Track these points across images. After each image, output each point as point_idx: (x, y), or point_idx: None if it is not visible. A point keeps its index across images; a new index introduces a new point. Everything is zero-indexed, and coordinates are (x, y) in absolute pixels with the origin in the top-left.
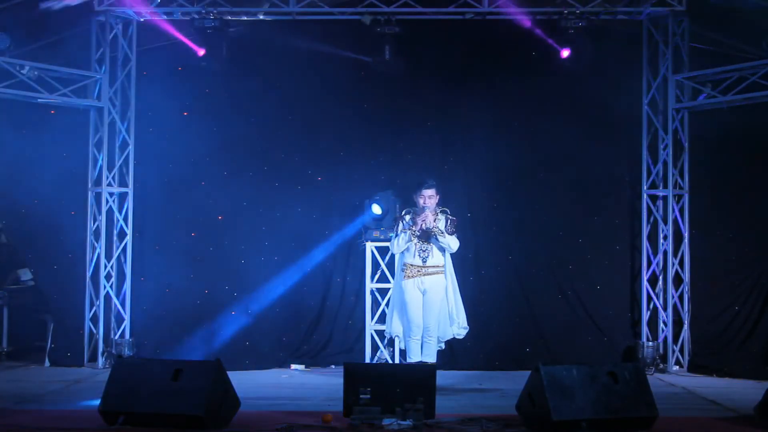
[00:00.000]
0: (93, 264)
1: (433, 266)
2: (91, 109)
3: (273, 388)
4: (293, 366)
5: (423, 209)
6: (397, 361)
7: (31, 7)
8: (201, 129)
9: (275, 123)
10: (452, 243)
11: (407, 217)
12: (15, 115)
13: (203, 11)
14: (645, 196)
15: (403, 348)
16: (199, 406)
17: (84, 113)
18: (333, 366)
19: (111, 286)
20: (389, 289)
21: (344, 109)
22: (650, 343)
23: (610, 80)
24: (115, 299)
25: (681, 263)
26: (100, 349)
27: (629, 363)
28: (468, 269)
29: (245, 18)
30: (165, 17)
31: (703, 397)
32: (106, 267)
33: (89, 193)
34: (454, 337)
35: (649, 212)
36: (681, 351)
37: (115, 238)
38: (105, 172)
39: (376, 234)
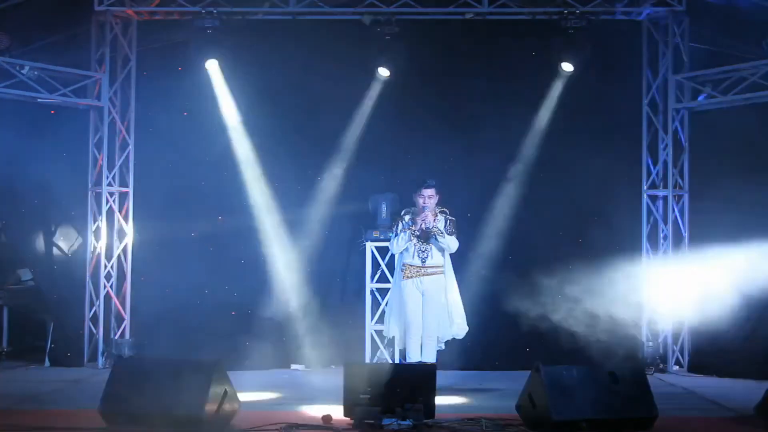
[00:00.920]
0: (93, 264)
1: (432, 266)
2: (91, 109)
3: (273, 388)
4: (293, 366)
5: (423, 209)
6: (397, 361)
7: (31, 6)
8: (201, 129)
9: (275, 123)
10: (452, 243)
11: (407, 217)
12: (15, 115)
13: (203, 11)
14: (645, 196)
15: (402, 348)
16: (199, 406)
17: (84, 113)
18: (333, 366)
19: (111, 286)
20: (389, 289)
21: (344, 109)
22: (650, 343)
23: (610, 80)
24: (115, 299)
25: None
26: (100, 349)
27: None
28: (468, 269)
29: (245, 18)
30: (165, 17)
31: (703, 397)
32: (106, 267)
33: (89, 193)
34: (453, 338)
35: (649, 212)
36: (681, 351)
37: (115, 238)
38: (105, 172)
39: (376, 234)
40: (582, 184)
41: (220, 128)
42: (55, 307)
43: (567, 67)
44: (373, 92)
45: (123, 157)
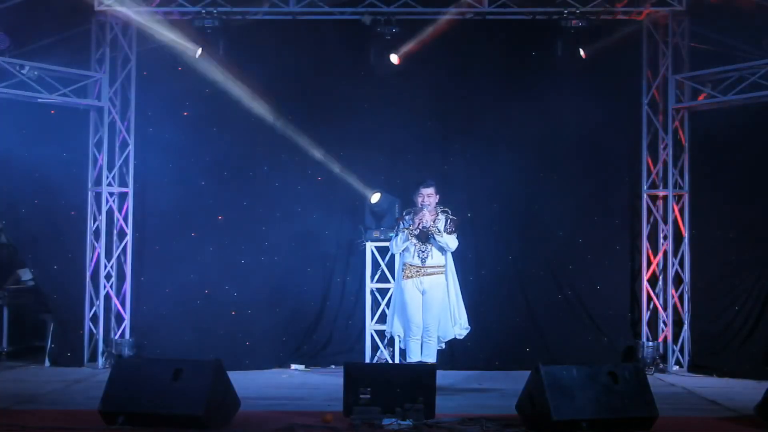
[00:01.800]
0: (93, 264)
1: (433, 266)
2: (91, 109)
3: (273, 388)
4: (293, 366)
5: (422, 208)
6: (397, 361)
7: (31, 6)
8: (201, 129)
9: (275, 123)
10: (450, 242)
11: (407, 218)
12: (15, 115)
13: (203, 11)
14: (645, 196)
15: (403, 348)
16: (199, 406)
17: (84, 113)
18: (333, 366)
19: (111, 286)
20: (389, 289)
21: (344, 109)
22: (650, 343)
23: (610, 80)
24: (115, 299)
25: (681, 263)
26: (100, 349)
27: (629, 363)
28: (468, 269)
29: (245, 18)
30: (165, 17)
31: (703, 397)
32: (106, 267)
33: (89, 193)
34: (455, 338)
35: (649, 212)
36: (681, 351)
37: (115, 238)
38: (105, 172)
39: (376, 234)
40: (582, 184)
41: (220, 128)
42: (55, 307)
43: (567, 66)
44: (373, 92)
45: (123, 158)
